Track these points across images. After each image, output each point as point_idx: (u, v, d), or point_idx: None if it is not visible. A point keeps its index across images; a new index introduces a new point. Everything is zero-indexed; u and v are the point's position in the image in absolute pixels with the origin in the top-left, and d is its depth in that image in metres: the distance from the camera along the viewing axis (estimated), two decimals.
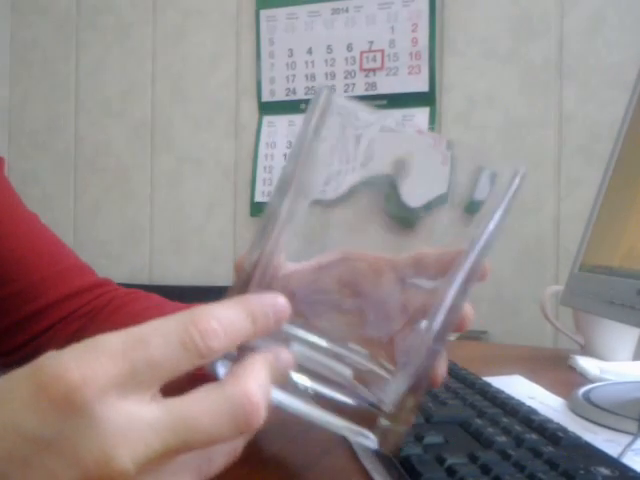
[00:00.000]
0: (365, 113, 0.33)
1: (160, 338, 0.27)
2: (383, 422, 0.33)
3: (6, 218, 0.62)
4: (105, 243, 2.11)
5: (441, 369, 0.38)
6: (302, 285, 0.34)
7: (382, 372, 0.34)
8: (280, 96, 1.87)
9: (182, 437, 0.26)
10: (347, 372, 0.34)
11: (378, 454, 0.46)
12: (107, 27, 2.11)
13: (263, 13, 1.89)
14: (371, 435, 0.33)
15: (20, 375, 0.26)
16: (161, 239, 2.05)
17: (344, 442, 0.50)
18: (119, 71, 2.10)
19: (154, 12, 2.06)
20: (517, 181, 0.34)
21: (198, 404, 0.27)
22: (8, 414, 0.26)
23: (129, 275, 2.04)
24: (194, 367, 0.27)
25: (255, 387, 0.28)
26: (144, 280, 2.04)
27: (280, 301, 0.31)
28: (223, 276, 1.95)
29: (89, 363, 0.26)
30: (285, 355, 0.31)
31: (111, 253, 2.10)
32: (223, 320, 0.28)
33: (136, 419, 0.26)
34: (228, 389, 0.27)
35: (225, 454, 0.30)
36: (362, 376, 0.34)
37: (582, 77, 1.58)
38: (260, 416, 0.27)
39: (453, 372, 0.64)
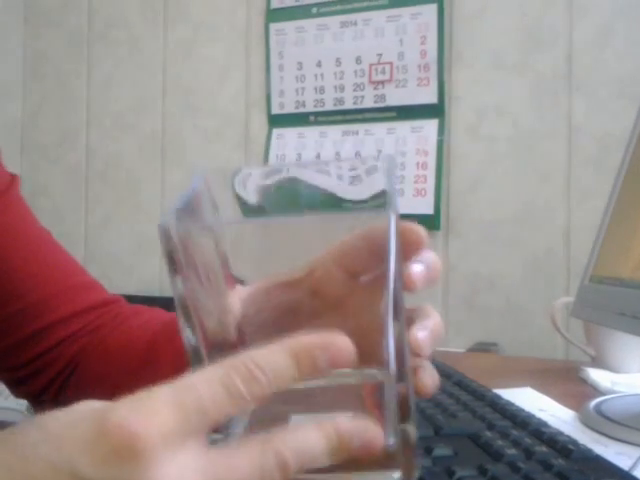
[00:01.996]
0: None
1: (207, 389, 0.27)
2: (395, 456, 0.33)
3: (19, 235, 0.63)
4: (116, 255, 2.12)
5: (423, 375, 0.36)
6: (265, 309, 0.34)
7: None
8: (289, 109, 1.88)
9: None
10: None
11: None
12: (118, 41, 2.13)
13: (272, 26, 1.90)
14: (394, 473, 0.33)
15: (83, 417, 0.27)
16: None
17: None
18: (130, 84, 2.12)
19: (164, 26, 2.08)
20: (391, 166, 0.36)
21: (233, 459, 0.28)
22: (66, 455, 0.26)
23: (140, 287, 2.04)
24: (239, 412, 0.29)
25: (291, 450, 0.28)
26: (155, 292, 2.04)
27: (333, 340, 0.29)
28: None
29: (147, 413, 0.26)
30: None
31: (122, 265, 2.10)
32: (265, 366, 0.28)
33: (188, 469, 0.27)
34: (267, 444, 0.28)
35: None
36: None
37: (591, 88, 1.57)
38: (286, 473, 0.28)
39: (463, 384, 0.64)
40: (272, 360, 0.29)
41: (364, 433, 0.29)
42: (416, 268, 0.35)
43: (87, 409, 0.28)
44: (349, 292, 0.35)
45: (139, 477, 0.26)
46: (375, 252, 0.32)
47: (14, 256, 0.61)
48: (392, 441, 0.32)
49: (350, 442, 0.29)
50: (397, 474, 0.33)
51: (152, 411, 0.27)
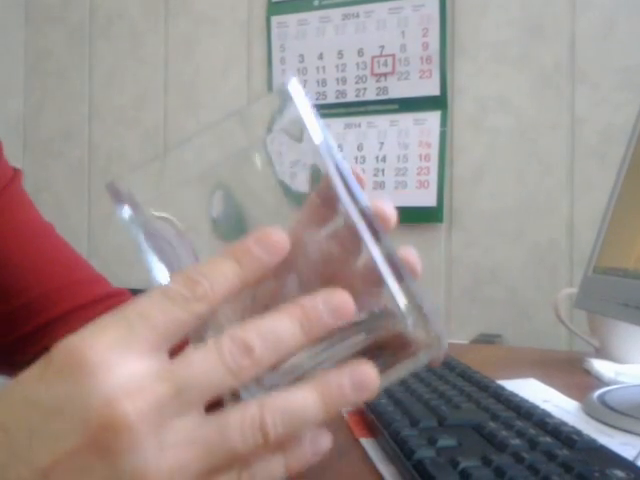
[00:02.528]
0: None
1: (154, 304, 0.29)
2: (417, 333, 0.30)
3: (22, 230, 0.63)
4: (119, 250, 2.12)
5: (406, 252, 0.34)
6: None
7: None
8: None
9: (176, 381, 0.27)
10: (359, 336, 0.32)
11: (391, 457, 0.46)
12: (120, 36, 2.13)
13: (274, 19, 1.90)
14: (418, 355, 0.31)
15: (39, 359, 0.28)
16: None
17: (358, 445, 0.50)
18: (132, 79, 2.12)
19: (166, 20, 2.07)
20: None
21: (188, 355, 0.28)
22: (19, 388, 0.28)
23: (143, 281, 2.05)
24: (192, 317, 0.28)
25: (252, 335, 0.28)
26: None
27: (267, 231, 0.29)
28: None
29: (90, 332, 0.27)
30: None
31: (125, 259, 2.11)
32: (207, 271, 0.29)
33: (134, 373, 0.26)
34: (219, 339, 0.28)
35: (243, 430, 0.27)
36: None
37: (594, 80, 1.57)
38: (253, 352, 0.27)
39: (466, 375, 0.64)
40: (213, 264, 0.29)
41: (330, 300, 0.28)
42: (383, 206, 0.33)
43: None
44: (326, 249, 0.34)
45: (87, 389, 0.26)
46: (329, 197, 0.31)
47: (17, 251, 0.61)
48: (410, 321, 0.30)
49: (319, 315, 0.28)
50: (424, 354, 0.31)
51: (96, 329, 0.27)
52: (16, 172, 0.66)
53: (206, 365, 0.27)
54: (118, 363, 0.26)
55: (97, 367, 0.26)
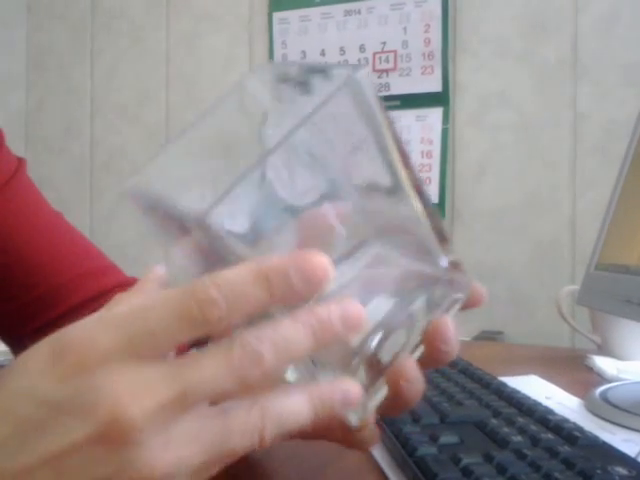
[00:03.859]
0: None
1: (158, 310, 0.27)
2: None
3: (30, 220, 0.62)
4: (121, 246, 2.12)
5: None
6: None
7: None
8: None
9: (183, 384, 0.27)
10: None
11: (393, 454, 0.46)
12: (121, 32, 2.13)
13: (276, 16, 1.89)
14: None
15: (37, 346, 0.29)
16: None
17: None
18: (133, 76, 2.11)
19: (167, 16, 2.07)
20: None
21: (197, 358, 0.27)
22: (24, 381, 0.27)
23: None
24: (196, 337, 0.27)
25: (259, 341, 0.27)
26: None
27: (312, 258, 0.27)
28: None
29: (97, 329, 0.27)
30: None
31: (127, 256, 2.10)
32: (224, 286, 0.26)
33: (142, 373, 0.27)
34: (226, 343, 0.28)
35: (243, 435, 0.28)
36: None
37: (597, 76, 1.56)
38: (263, 362, 0.27)
39: (468, 372, 0.64)
40: (233, 280, 0.26)
41: (344, 310, 0.28)
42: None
43: (47, 339, 0.29)
44: None
45: (97, 385, 0.26)
46: None
47: (27, 244, 0.61)
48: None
49: (333, 325, 0.27)
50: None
51: (96, 328, 0.27)
52: (20, 161, 0.65)
53: (214, 371, 0.27)
54: (119, 359, 0.27)
55: (98, 365, 0.27)
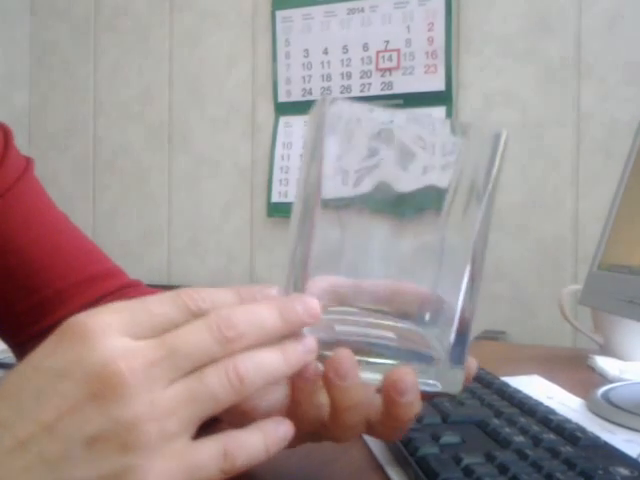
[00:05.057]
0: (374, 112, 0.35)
1: (155, 299, 0.32)
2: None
3: (35, 223, 0.62)
4: (124, 244, 2.12)
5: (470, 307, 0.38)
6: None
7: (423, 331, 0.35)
8: (296, 96, 1.88)
9: (169, 346, 0.30)
10: (390, 335, 0.35)
11: (394, 453, 0.46)
12: (124, 30, 2.13)
13: (279, 14, 1.89)
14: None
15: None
16: (179, 240, 2.06)
17: (361, 441, 0.50)
18: (137, 73, 2.12)
19: (171, 14, 2.07)
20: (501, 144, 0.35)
21: (181, 329, 0.31)
22: (28, 360, 0.31)
23: (148, 275, 2.05)
24: (184, 319, 0.31)
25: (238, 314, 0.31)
26: (162, 280, 2.05)
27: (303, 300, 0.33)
28: (240, 276, 1.96)
29: (97, 312, 0.31)
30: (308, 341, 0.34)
31: (130, 254, 2.11)
32: (207, 291, 0.33)
33: (133, 345, 0.30)
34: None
35: (218, 371, 0.31)
36: (405, 336, 0.36)
37: (600, 74, 1.56)
38: (237, 326, 0.31)
39: None
40: (215, 292, 0.33)
41: (304, 300, 0.33)
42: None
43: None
44: None
45: (89, 350, 0.29)
46: None
47: (31, 247, 0.60)
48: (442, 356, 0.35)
49: (295, 308, 0.33)
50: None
51: (102, 310, 0.31)
52: (29, 161, 0.65)
53: (195, 335, 0.30)
54: (117, 333, 0.30)
55: (98, 335, 0.29)
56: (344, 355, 0.34)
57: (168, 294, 0.32)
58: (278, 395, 0.37)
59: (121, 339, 0.30)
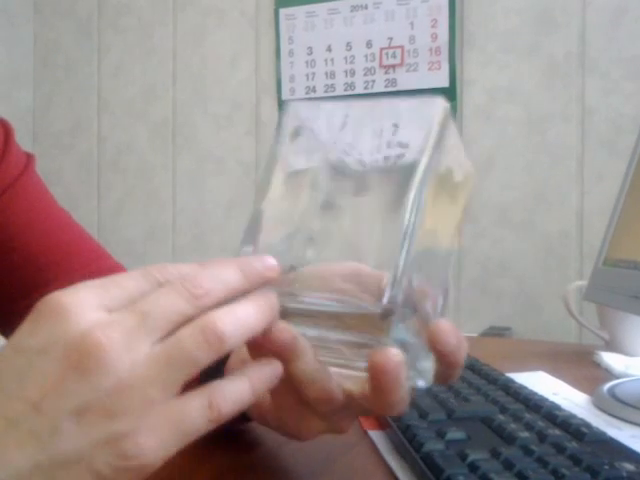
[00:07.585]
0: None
1: (127, 275, 0.33)
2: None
3: (37, 220, 0.62)
4: (128, 242, 2.13)
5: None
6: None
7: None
8: (300, 94, 1.88)
9: (142, 311, 0.31)
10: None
11: (399, 449, 0.46)
12: (128, 28, 2.13)
13: (282, 11, 1.89)
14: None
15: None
16: (183, 237, 2.07)
17: (367, 438, 0.50)
18: (140, 71, 2.12)
19: (174, 12, 2.07)
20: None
21: (151, 294, 0.32)
22: (8, 343, 0.31)
23: None
24: (153, 289, 0.32)
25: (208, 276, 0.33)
26: None
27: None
28: None
29: (70, 290, 0.31)
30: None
31: (134, 252, 2.11)
32: (174, 265, 0.34)
33: (107, 316, 0.31)
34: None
35: (194, 328, 0.32)
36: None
37: (604, 70, 1.56)
38: (203, 286, 0.32)
39: (475, 368, 0.64)
40: (182, 265, 0.34)
41: (262, 258, 0.35)
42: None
43: None
44: None
45: (66, 325, 0.30)
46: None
47: (34, 244, 0.60)
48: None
49: (255, 266, 0.34)
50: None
51: (76, 287, 0.32)
52: (29, 157, 0.65)
53: (164, 297, 0.32)
54: (92, 307, 0.31)
55: (73, 311, 0.30)
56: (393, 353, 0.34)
57: (137, 270, 0.33)
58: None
59: (96, 313, 0.30)
